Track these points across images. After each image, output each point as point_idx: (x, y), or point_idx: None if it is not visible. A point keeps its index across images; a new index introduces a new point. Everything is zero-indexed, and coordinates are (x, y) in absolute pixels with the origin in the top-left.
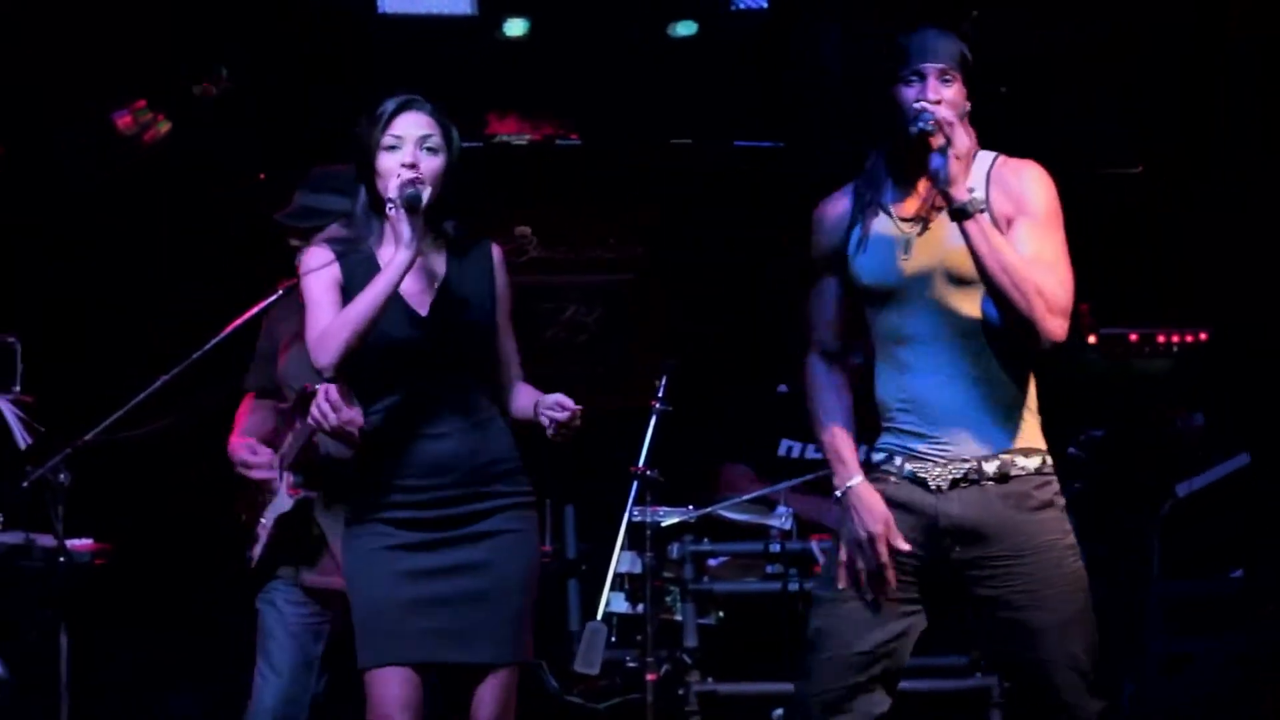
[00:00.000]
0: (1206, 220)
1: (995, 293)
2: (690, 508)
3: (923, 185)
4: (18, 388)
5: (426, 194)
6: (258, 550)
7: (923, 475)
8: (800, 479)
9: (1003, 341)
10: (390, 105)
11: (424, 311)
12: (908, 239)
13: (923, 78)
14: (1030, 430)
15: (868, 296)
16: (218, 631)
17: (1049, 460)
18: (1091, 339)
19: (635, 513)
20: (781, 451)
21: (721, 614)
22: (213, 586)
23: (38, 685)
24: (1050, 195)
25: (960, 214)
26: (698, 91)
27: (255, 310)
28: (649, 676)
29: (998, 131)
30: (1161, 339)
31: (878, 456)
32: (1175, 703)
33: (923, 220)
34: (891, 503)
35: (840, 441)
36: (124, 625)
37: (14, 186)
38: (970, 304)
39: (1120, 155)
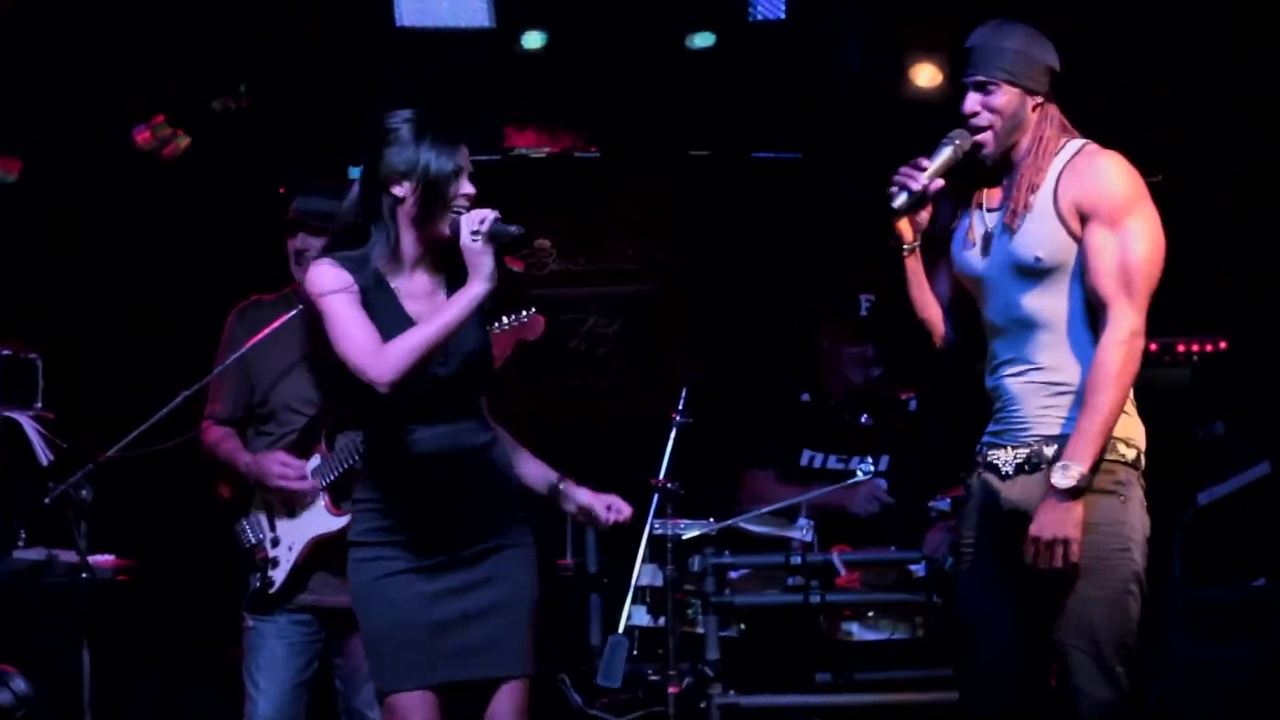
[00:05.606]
0: (1225, 228)
1: None
2: (711, 520)
3: (1004, 181)
4: (39, 404)
5: (515, 230)
6: (281, 574)
7: (995, 462)
8: (822, 490)
9: (1077, 332)
10: (452, 134)
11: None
12: (989, 233)
13: (966, 91)
14: None
15: (964, 286)
16: (240, 647)
17: (1122, 449)
18: None
19: (656, 525)
20: (804, 461)
21: (743, 626)
22: (235, 601)
23: (60, 701)
24: (1117, 186)
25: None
26: (716, 103)
27: (279, 323)
28: (671, 689)
29: None
30: (1181, 348)
31: (979, 449)
32: (1200, 706)
33: (999, 216)
34: (973, 496)
35: None
36: (146, 641)
37: (34, 203)
38: (1039, 297)
39: (1139, 164)
